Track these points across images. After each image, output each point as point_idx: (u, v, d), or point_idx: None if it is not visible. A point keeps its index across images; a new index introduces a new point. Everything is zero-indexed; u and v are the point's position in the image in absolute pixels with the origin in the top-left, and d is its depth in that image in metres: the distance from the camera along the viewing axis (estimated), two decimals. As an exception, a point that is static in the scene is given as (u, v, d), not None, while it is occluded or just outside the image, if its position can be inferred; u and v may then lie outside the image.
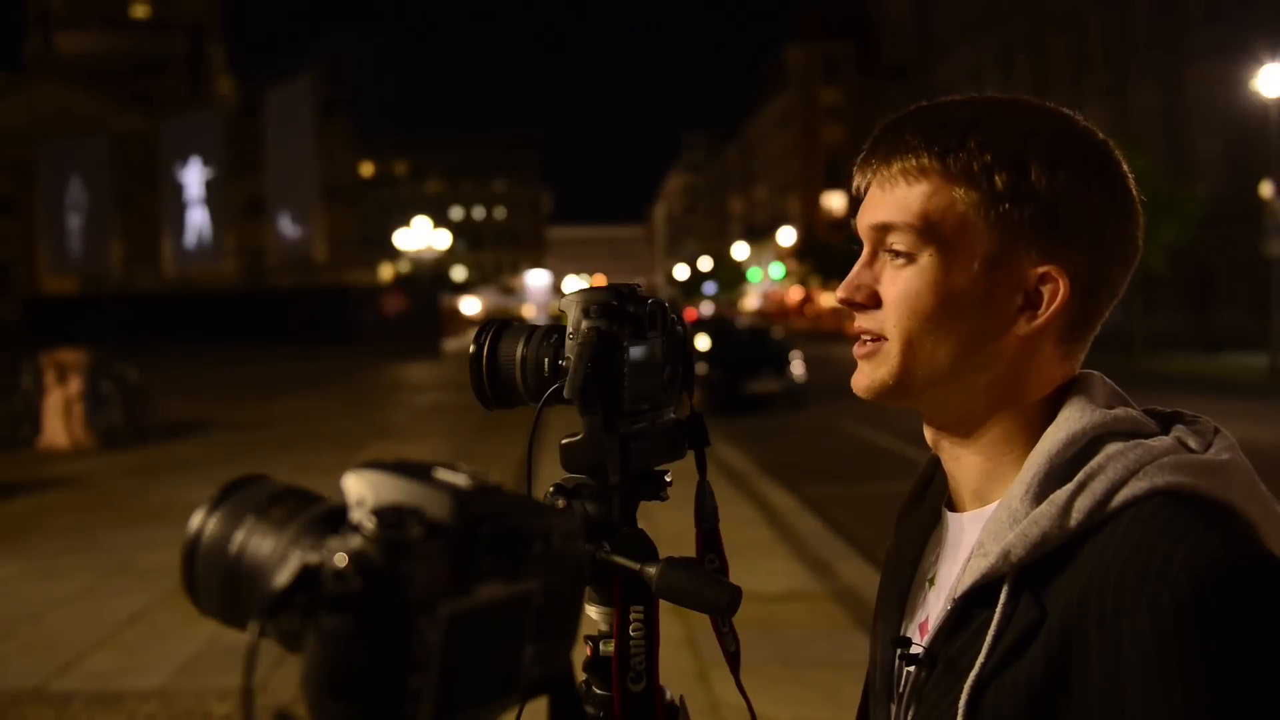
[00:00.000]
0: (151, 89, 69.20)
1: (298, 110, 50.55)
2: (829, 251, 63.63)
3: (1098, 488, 0.93)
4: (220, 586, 0.70)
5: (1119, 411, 1.00)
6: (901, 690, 1.07)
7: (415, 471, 0.65)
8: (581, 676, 1.11)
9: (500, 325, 1.18)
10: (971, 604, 0.98)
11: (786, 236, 78.65)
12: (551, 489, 1.12)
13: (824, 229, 75.93)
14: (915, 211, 1.00)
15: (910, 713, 1.04)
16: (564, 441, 1.12)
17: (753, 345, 21.46)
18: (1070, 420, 0.99)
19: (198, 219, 54.85)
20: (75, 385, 14.59)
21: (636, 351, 1.10)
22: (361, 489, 0.65)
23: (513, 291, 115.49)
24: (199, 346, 36.30)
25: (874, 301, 1.04)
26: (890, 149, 1.03)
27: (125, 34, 72.77)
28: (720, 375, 19.32)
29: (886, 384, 1.04)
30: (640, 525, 1.11)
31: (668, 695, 1.12)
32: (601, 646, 1.10)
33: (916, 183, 1.01)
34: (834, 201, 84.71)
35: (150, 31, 73.59)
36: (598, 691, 1.10)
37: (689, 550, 1.15)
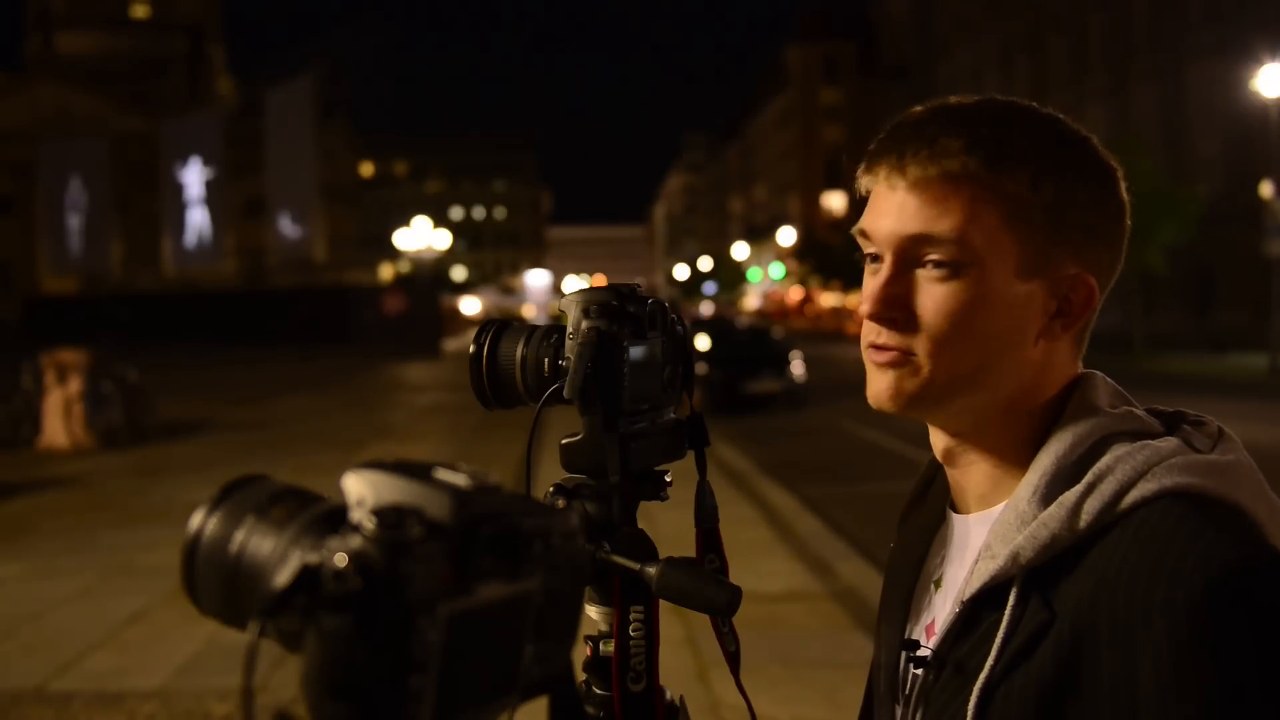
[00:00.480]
0: (151, 89, 69.14)
1: (298, 110, 50.56)
2: (829, 251, 63.70)
3: (1107, 489, 0.93)
4: (220, 586, 0.70)
5: (1123, 411, 1.00)
6: (908, 692, 1.07)
7: (415, 471, 0.65)
8: (581, 676, 1.11)
9: (500, 325, 1.18)
10: (980, 606, 0.98)
11: (786, 236, 78.69)
12: (551, 489, 1.12)
13: (824, 229, 76.05)
14: (960, 221, 0.96)
15: (918, 715, 1.03)
16: (564, 441, 1.12)
17: (753, 345, 21.47)
18: (1076, 421, 0.99)
19: (198, 219, 54.86)
20: (75, 385, 14.59)
21: (636, 351, 1.10)
22: (361, 489, 0.65)
23: (513, 291, 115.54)
24: (199, 346, 36.29)
25: (907, 316, 0.99)
26: (925, 151, 0.98)
27: (125, 34, 72.72)
28: (720, 375, 19.31)
29: (914, 396, 1.00)
30: (640, 525, 1.11)
31: (668, 695, 1.12)
32: (601, 646, 1.10)
33: (957, 190, 0.97)
34: (834, 201, 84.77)
35: (150, 31, 73.53)
36: (598, 691, 1.10)
37: (689, 550, 1.15)
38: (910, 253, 0.99)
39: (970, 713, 0.94)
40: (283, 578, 0.60)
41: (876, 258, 1.03)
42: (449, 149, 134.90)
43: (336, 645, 0.60)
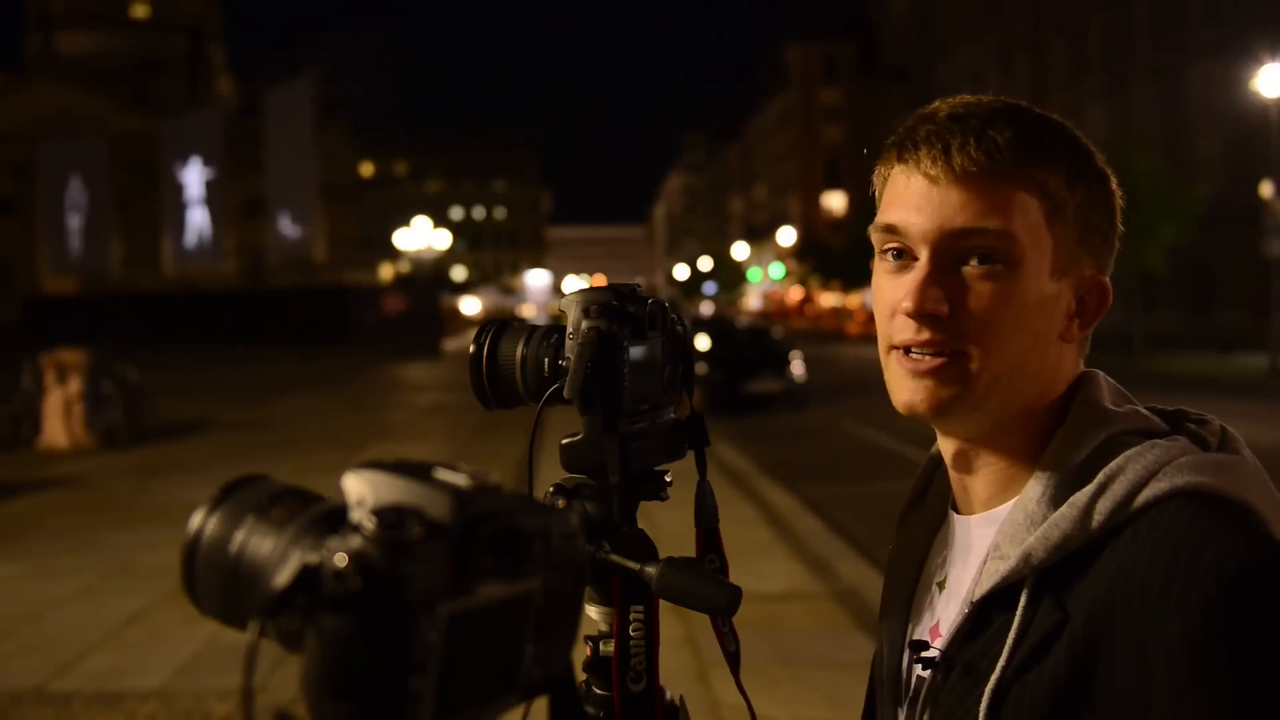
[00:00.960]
0: (151, 89, 69.17)
1: (298, 110, 50.57)
2: (829, 251, 63.70)
3: (1119, 489, 0.93)
4: (220, 586, 0.70)
5: (1129, 410, 1.00)
6: (914, 694, 1.07)
7: (415, 471, 0.65)
8: (581, 676, 1.11)
9: (500, 325, 1.18)
10: (990, 607, 0.97)
11: (786, 236, 78.66)
12: (551, 489, 1.12)
13: (824, 229, 76.02)
14: (1010, 216, 0.96)
15: (925, 717, 1.03)
16: (564, 441, 1.12)
17: (753, 345, 21.47)
18: (1082, 421, 0.99)
19: (198, 219, 54.89)
20: (75, 385, 14.59)
21: (636, 351, 1.10)
22: (361, 489, 0.65)
23: (513, 291, 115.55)
24: (199, 346, 36.30)
25: (952, 312, 0.97)
26: (972, 142, 0.96)
27: (125, 34, 72.73)
28: (720, 375, 19.31)
29: (955, 398, 0.98)
30: (640, 525, 1.11)
31: (668, 695, 1.12)
32: (601, 646, 1.10)
33: (1005, 183, 0.96)
34: (834, 201, 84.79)
35: (150, 31, 73.55)
36: (598, 691, 1.10)
37: (689, 550, 1.15)
38: (952, 247, 0.97)
39: (982, 714, 0.94)
40: (283, 578, 0.60)
41: (902, 253, 1.00)
42: (449, 149, 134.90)
43: (336, 645, 0.60)
